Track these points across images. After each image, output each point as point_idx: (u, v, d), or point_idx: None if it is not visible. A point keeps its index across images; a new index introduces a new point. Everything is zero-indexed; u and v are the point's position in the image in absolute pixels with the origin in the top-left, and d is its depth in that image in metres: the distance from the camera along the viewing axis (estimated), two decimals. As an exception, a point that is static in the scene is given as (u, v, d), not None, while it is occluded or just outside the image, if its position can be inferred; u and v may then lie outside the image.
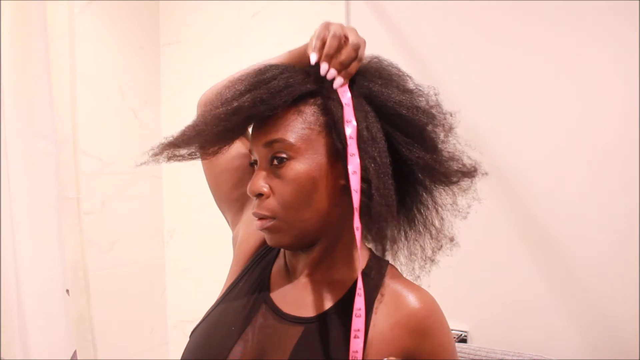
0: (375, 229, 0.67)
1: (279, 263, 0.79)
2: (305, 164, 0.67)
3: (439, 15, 1.43)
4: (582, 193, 1.26)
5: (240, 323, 0.72)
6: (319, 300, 0.72)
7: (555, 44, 1.29)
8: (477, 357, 1.25)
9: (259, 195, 0.69)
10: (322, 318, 0.70)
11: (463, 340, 1.38)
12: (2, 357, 1.32)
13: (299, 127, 0.68)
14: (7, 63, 1.32)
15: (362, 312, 0.63)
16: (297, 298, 0.73)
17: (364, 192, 0.65)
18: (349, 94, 0.67)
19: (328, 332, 0.68)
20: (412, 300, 0.69)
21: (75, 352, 1.43)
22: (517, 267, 1.34)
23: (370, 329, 0.67)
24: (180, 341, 2.00)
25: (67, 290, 1.44)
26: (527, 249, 1.33)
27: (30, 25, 1.34)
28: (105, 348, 1.68)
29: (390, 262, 0.77)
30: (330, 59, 0.67)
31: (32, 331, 1.34)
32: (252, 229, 0.82)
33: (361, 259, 0.74)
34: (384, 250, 0.71)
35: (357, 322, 0.63)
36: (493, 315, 1.37)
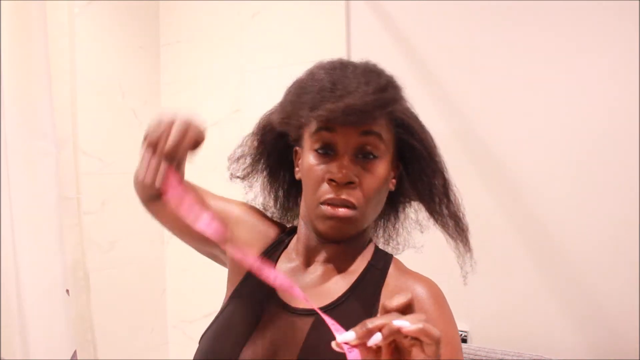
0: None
1: (285, 261, 0.79)
2: (386, 165, 0.71)
3: (439, 15, 1.43)
4: (582, 193, 1.26)
5: (248, 324, 0.72)
6: (330, 290, 0.73)
7: (555, 43, 1.29)
8: (477, 357, 1.25)
9: (349, 183, 0.68)
10: (332, 306, 0.70)
11: (463, 340, 1.38)
12: (2, 357, 1.32)
13: (387, 130, 0.71)
14: (7, 63, 1.32)
15: None
16: (308, 291, 0.73)
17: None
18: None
19: (339, 319, 0.68)
20: (418, 288, 0.71)
21: (75, 352, 1.43)
22: (517, 267, 1.34)
23: (377, 315, 0.69)
24: (180, 341, 2.00)
25: (67, 290, 1.44)
26: (527, 249, 1.33)
27: (30, 25, 1.35)
28: (105, 348, 1.67)
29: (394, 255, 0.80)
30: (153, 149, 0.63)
31: (32, 331, 1.34)
32: (247, 232, 0.83)
33: (367, 251, 0.78)
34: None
35: None
36: (493, 315, 1.37)
